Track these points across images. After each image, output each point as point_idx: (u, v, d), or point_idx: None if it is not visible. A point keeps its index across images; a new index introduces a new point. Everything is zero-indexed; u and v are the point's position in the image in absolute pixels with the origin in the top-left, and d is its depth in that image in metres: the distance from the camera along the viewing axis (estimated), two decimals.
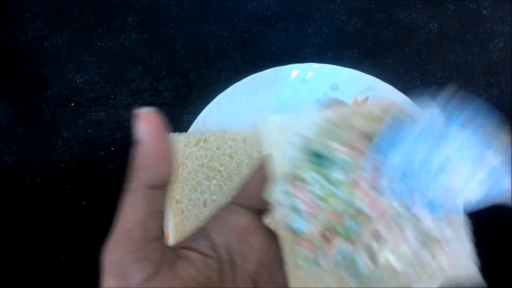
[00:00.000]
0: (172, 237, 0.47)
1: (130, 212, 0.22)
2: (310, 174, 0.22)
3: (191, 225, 0.48)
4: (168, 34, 0.62)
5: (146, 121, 0.23)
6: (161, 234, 0.23)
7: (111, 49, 0.61)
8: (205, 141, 0.50)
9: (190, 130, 0.52)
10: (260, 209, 0.26)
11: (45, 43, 0.62)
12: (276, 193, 0.23)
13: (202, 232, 0.25)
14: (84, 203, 0.53)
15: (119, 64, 0.61)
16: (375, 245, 0.21)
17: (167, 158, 0.23)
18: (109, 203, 0.53)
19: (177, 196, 0.48)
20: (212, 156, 0.50)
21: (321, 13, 0.63)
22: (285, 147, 0.23)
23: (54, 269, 0.51)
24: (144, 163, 0.22)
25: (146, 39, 0.62)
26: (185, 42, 0.62)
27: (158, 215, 0.23)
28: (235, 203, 0.26)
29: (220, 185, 0.49)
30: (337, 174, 0.22)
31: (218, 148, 0.50)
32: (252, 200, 0.26)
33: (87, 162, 0.55)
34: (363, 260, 0.21)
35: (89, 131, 0.57)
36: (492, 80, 0.60)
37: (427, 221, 0.21)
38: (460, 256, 0.22)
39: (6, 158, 0.56)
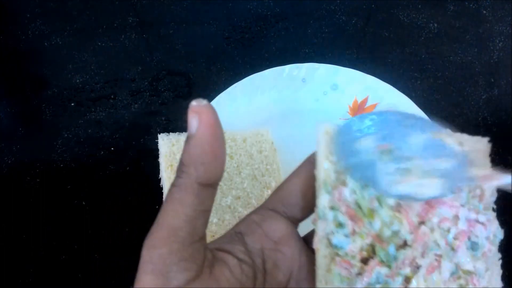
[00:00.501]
0: None
1: (179, 209, 0.21)
2: (354, 184, 0.22)
3: None
4: (168, 34, 0.62)
5: (201, 114, 0.21)
6: (204, 234, 0.22)
7: (111, 49, 0.61)
8: None
9: None
10: (296, 218, 0.25)
11: (45, 43, 0.62)
12: (322, 206, 0.22)
13: (237, 235, 0.24)
14: (84, 203, 0.53)
15: (119, 64, 0.61)
16: (409, 271, 0.21)
17: (221, 155, 0.21)
18: (109, 203, 0.53)
19: None
20: None
21: (321, 13, 0.63)
22: (333, 157, 0.22)
23: (54, 269, 0.51)
24: (197, 158, 0.21)
25: (146, 39, 0.62)
26: (185, 42, 0.62)
27: (205, 214, 0.22)
28: (270, 208, 0.25)
29: (220, 185, 0.49)
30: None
31: None
32: (288, 208, 0.25)
33: (87, 162, 0.55)
34: (397, 285, 0.21)
35: (89, 131, 0.57)
36: (492, 80, 0.60)
37: (463, 253, 0.22)
38: None
39: (6, 158, 0.56)
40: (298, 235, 0.25)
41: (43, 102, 0.59)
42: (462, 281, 0.22)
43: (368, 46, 0.62)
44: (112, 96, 0.59)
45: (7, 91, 0.60)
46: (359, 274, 0.22)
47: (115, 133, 0.57)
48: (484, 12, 0.64)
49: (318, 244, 0.22)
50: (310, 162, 0.24)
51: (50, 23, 0.63)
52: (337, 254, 0.22)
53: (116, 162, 0.55)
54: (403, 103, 0.53)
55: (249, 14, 0.63)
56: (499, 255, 0.23)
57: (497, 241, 0.23)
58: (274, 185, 0.49)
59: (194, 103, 0.21)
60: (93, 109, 0.58)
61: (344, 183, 0.22)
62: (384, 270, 0.21)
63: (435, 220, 0.22)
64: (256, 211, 0.25)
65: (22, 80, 0.60)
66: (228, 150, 0.50)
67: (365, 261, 0.22)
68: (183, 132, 0.51)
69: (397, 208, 0.21)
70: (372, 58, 0.61)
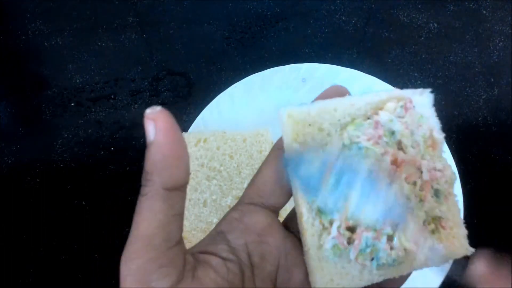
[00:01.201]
0: None
1: (149, 217, 0.21)
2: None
3: (191, 225, 0.48)
4: (168, 34, 0.62)
5: (156, 121, 0.21)
6: (181, 238, 0.22)
7: (111, 49, 0.61)
8: (205, 141, 0.50)
9: (190, 130, 0.52)
10: (275, 206, 0.25)
11: (45, 43, 0.62)
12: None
13: (218, 235, 0.24)
14: (84, 203, 0.53)
15: (119, 64, 0.61)
16: (390, 230, 0.23)
17: (182, 158, 0.21)
18: (109, 203, 0.53)
19: None
20: (212, 156, 0.50)
21: (321, 13, 0.63)
22: (300, 138, 0.24)
23: (54, 269, 0.51)
24: (159, 165, 0.21)
25: (146, 39, 0.62)
26: (185, 42, 0.62)
27: (178, 218, 0.21)
28: (247, 202, 0.25)
29: (220, 185, 0.49)
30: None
31: (218, 148, 0.50)
32: (265, 198, 0.25)
33: (87, 162, 0.55)
34: (383, 245, 0.23)
35: (89, 131, 0.57)
36: (492, 80, 0.60)
37: (429, 201, 0.24)
38: (453, 227, 0.25)
39: (6, 158, 0.56)
40: (279, 223, 0.25)
41: (43, 102, 0.59)
42: (432, 226, 0.24)
43: (368, 46, 0.62)
44: (112, 96, 0.59)
45: (7, 91, 0.60)
46: (349, 243, 0.23)
47: (115, 133, 0.57)
48: (484, 12, 0.64)
49: (305, 224, 0.23)
50: (277, 149, 0.25)
51: (50, 23, 0.63)
52: (325, 228, 0.23)
53: (116, 162, 0.55)
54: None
55: (249, 14, 0.63)
56: (456, 195, 0.25)
57: (453, 183, 0.25)
58: None
59: (148, 110, 0.21)
60: (93, 109, 0.58)
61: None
62: (370, 234, 0.23)
63: (402, 176, 0.23)
64: (234, 207, 0.25)
65: (22, 80, 0.60)
66: (228, 150, 0.50)
67: (350, 230, 0.23)
68: (183, 132, 0.51)
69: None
70: (372, 58, 0.61)
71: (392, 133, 0.24)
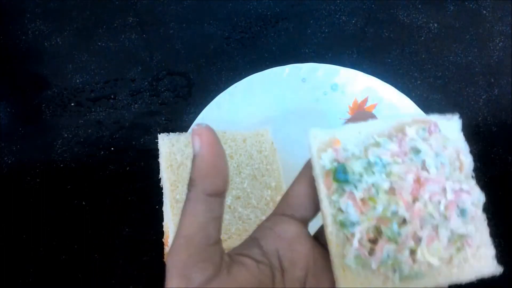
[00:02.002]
0: (172, 237, 0.47)
1: (192, 218, 0.24)
2: (354, 177, 0.25)
3: None
4: (168, 34, 0.62)
5: (202, 136, 0.24)
6: (219, 239, 0.25)
7: (111, 49, 0.61)
8: None
9: (190, 130, 0.52)
10: (305, 218, 0.27)
11: (45, 43, 0.62)
12: (325, 198, 0.25)
13: (252, 241, 0.27)
14: (84, 203, 0.53)
15: (119, 64, 0.61)
16: (413, 244, 0.24)
17: (223, 169, 0.24)
18: (109, 203, 0.53)
19: (177, 196, 0.48)
20: None
21: (321, 13, 0.63)
22: (326, 160, 0.26)
23: (54, 269, 0.51)
24: (202, 174, 0.24)
25: (146, 39, 0.62)
26: (185, 42, 0.62)
27: (217, 220, 0.24)
28: (279, 213, 0.28)
29: None
30: (377, 180, 0.25)
31: None
32: (295, 210, 0.27)
33: (87, 162, 0.55)
34: (405, 258, 0.24)
35: (89, 131, 0.57)
36: (492, 80, 0.60)
37: (454, 220, 0.24)
38: (481, 247, 0.25)
39: (6, 158, 0.56)
40: (308, 233, 0.28)
41: (43, 102, 0.59)
42: (458, 244, 0.25)
43: (368, 46, 0.62)
44: (112, 96, 0.59)
45: (7, 91, 0.60)
46: (371, 254, 0.24)
47: (115, 133, 0.57)
48: (484, 12, 0.64)
49: (330, 235, 0.25)
50: (308, 167, 0.27)
51: (50, 23, 0.63)
52: (348, 239, 0.25)
53: (116, 162, 0.55)
54: (403, 103, 0.53)
55: (249, 14, 0.63)
56: (484, 216, 0.26)
57: (480, 204, 0.26)
58: (274, 185, 0.49)
59: (195, 126, 0.24)
60: (93, 109, 0.58)
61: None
62: (392, 247, 0.24)
63: (426, 196, 0.24)
64: (267, 218, 0.28)
65: (22, 80, 0.60)
66: (228, 150, 0.50)
67: (373, 241, 0.24)
68: (183, 132, 0.51)
69: (391, 191, 0.24)
70: (372, 58, 0.61)
71: (417, 151, 0.25)
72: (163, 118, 0.57)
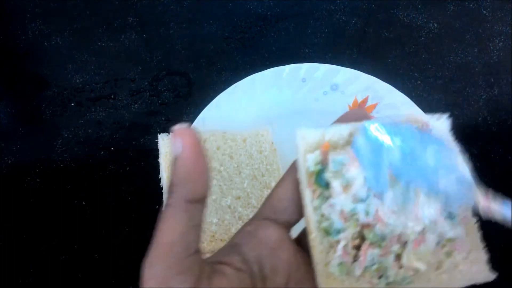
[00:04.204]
0: None
1: (171, 226, 0.22)
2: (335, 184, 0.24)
3: None
4: (168, 34, 0.62)
5: (183, 137, 0.22)
6: (199, 248, 0.23)
7: (111, 49, 0.61)
8: (205, 141, 0.50)
9: None
10: (288, 222, 0.26)
11: (45, 43, 0.62)
12: (310, 203, 0.24)
13: (233, 247, 0.25)
14: (84, 203, 0.53)
15: (119, 64, 0.61)
16: (399, 248, 0.23)
17: (205, 172, 0.23)
18: (109, 203, 0.53)
19: None
20: (212, 156, 0.50)
21: (321, 13, 0.63)
22: (311, 162, 0.24)
23: (54, 269, 0.51)
24: (183, 178, 0.22)
25: (146, 39, 0.62)
26: (185, 42, 0.62)
27: (197, 228, 0.23)
28: (262, 217, 0.26)
29: (220, 185, 0.49)
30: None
31: (218, 148, 0.50)
32: (279, 214, 0.26)
33: (87, 162, 0.55)
34: (390, 262, 0.23)
35: (89, 131, 0.57)
36: (492, 80, 0.60)
37: (442, 223, 0.23)
38: (472, 251, 0.24)
39: (6, 158, 0.56)
40: (291, 239, 0.26)
41: (43, 102, 0.59)
42: (447, 248, 0.24)
43: (368, 46, 0.62)
44: (112, 96, 0.59)
45: (7, 91, 0.60)
46: (355, 260, 0.23)
47: (115, 133, 0.57)
48: (484, 12, 0.64)
49: (313, 241, 0.24)
50: (294, 169, 0.26)
51: (50, 23, 0.63)
52: (332, 246, 0.24)
53: (116, 162, 0.55)
54: (403, 103, 0.53)
55: (249, 14, 0.63)
56: (474, 220, 0.25)
57: (470, 207, 0.24)
58: (274, 185, 0.49)
59: (176, 127, 0.22)
60: (93, 109, 0.58)
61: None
62: (376, 251, 0.23)
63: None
64: (249, 222, 0.27)
65: (22, 80, 0.60)
66: (228, 150, 0.50)
67: (357, 248, 0.23)
68: None
69: (375, 194, 0.23)
70: (372, 58, 0.61)
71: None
72: (163, 118, 0.57)
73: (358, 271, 0.23)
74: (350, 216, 0.23)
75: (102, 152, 0.56)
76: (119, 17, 0.63)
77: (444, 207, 0.22)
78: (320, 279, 0.24)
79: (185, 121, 0.57)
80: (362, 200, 0.23)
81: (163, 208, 0.23)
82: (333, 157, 0.24)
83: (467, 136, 0.56)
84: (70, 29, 0.62)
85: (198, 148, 0.22)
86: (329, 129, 0.25)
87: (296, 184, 0.25)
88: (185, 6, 0.64)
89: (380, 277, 0.23)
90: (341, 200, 0.23)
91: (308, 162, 0.24)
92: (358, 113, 0.27)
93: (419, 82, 0.60)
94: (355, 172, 0.23)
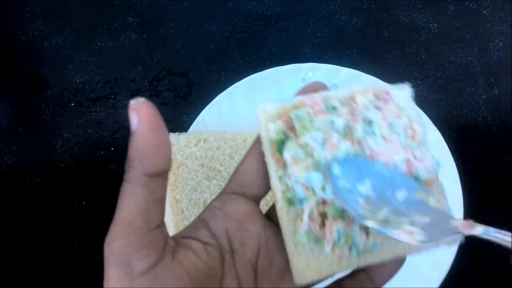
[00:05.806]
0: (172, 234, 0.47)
1: (130, 201, 0.22)
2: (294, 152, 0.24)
3: None
4: (168, 34, 0.62)
5: (140, 111, 0.22)
6: (162, 222, 0.23)
7: (111, 49, 0.61)
8: (205, 141, 0.50)
9: (190, 130, 0.52)
10: (256, 195, 0.26)
11: (45, 43, 0.62)
12: (274, 173, 0.24)
13: (200, 222, 0.25)
14: (84, 203, 0.53)
15: (119, 64, 0.61)
16: None
17: (163, 146, 0.22)
18: (109, 203, 0.53)
19: (177, 196, 0.48)
20: (212, 156, 0.50)
21: (321, 13, 0.63)
22: (273, 131, 0.24)
23: (54, 269, 0.51)
24: (139, 152, 0.22)
25: (146, 39, 0.62)
26: (185, 42, 0.62)
27: (159, 203, 0.23)
28: (229, 192, 0.26)
29: (220, 185, 0.49)
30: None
31: (218, 148, 0.50)
32: (246, 187, 0.26)
33: (87, 162, 0.55)
34: (357, 232, 0.23)
35: (89, 131, 0.57)
36: (492, 80, 0.60)
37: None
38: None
39: (6, 158, 0.56)
40: (260, 212, 0.26)
41: (43, 102, 0.59)
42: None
43: (368, 46, 0.62)
44: (112, 96, 0.59)
45: (7, 91, 0.60)
46: (323, 237, 0.23)
47: (115, 133, 0.57)
48: (484, 12, 0.64)
49: (280, 211, 0.24)
50: (259, 142, 0.25)
51: (50, 23, 0.63)
52: (298, 215, 0.24)
53: (116, 162, 0.55)
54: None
55: (249, 14, 0.63)
56: (442, 183, 0.25)
57: (436, 171, 0.25)
58: None
59: (132, 101, 0.22)
60: (93, 109, 0.58)
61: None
62: (340, 224, 0.23)
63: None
64: (216, 197, 0.26)
65: (22, 80, 0.60)
66: (228, 150, 0.50)
67: (323, 216, 0.24)
68: (183, 132, 0.51)
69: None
70: (372, 58, 0.61)
71: (370, 122, 0.25)
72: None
73: (328, 248, 0.23)
74: (310, 186, 0.24)
75: (102, 152, 0.56)
76: (119, 17, 0.63)
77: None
78: (289, 249, 0.24)
79: (185, 121, 0.57)
80: (315, 170, 0.23)
81: (122, 183, 0.22)
82: (294, 113, 0.24)
83: (467, 136, 0.56)
84: (70, 29, 0.62)
85: (155, 122, 0.22)
86: (289, 102, 0.26)
87: (262, 156, 0.25)
88: (185, 6, 0.64)
89: (350, 249, 0.24)
90: (294, 171, 0.23)
91: (270, 132, 0.24)
92: (317, 85, 0.28)
93: (419, 82, 0.60)
94: (320, 122, 0.24)
